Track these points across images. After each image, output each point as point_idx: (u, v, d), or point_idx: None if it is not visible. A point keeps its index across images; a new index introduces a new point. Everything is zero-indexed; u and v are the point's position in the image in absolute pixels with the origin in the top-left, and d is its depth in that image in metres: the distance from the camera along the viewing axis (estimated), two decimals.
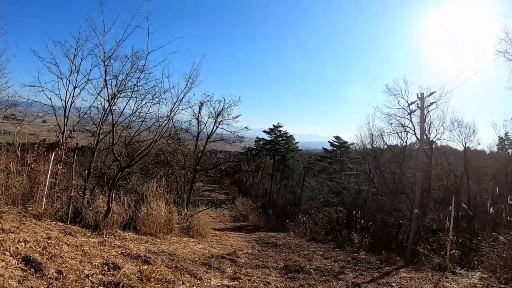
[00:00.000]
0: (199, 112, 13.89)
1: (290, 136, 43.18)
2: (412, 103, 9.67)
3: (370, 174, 21.02)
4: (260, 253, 9.42)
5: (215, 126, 13.94)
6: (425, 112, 9.26)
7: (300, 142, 47.46)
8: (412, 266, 8.24)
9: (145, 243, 7.07)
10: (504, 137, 32.22)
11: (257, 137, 44.08)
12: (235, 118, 13.85)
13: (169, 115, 8.97)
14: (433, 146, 20.73)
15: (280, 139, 42.68)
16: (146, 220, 8.65)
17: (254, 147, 43.10)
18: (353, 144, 33.03)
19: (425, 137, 17.89)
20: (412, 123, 19.33)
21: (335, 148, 36.95)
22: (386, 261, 8.54)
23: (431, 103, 9.01)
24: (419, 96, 9.10)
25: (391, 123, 22.28)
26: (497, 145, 32.28)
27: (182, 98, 9.53)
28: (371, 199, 18.51)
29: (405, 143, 22.04)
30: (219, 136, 14.03)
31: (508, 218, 6.49)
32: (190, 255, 7.02)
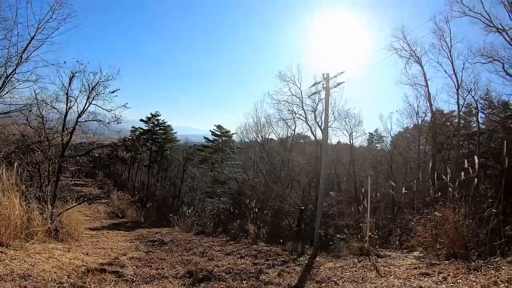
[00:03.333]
0: (70, 84, 11.19)
1: (169, 125, 40.77)
2: (316, 83, 9.21)
3: (256, 162, 20.71)
4: (149, 256, 7.75)
5: (87, 102, 11.39)
6: (330, 94, 8.80)
7: (179, 133, 45.35)
8: (325, 254, 7.95)
9: None
10: (374, 133, 36.31)
11: (133, 127, 40.44)
12: (113, 92, 11.55)
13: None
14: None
15: (158, 128, 39.95)
16: None
17: (130, 137, 39.44)
18: (236, 133, 32.80)
19: (316, 125, 18.40)
20: (304, 110, 19.51)
21: (216, 138, 36.11)
22: (294, 251, 8.09)
23: (338, 84, 8.60)
24: (325, 76, 8.65)
25: (280, 110, 22.22)
26: (367, 140, 35.64)
27: None
28: (259, 188, 18.14)
29: (293, 131, 22.29)
30: (93, 116, 11.51)
31: (435, 194, 6.39)
32: (56, 272, 5.02)
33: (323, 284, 4.87)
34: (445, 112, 26.57)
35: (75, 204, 11.31)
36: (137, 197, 27.48)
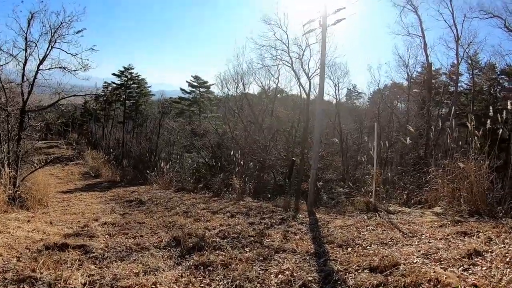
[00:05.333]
0: (29, 27, 9.57)
1: (142, 79, 38.36)
2: (310, 21, 7.95)
3: (238, 113, 19.52)
4: (126, 220, 6.83)
5: (49, 46, 9.82)
6: (326, 35, 7.65)
7: (154, 89, 42.98)
8: (323, 209, 7.38)
9: None
10: (352, 89, 35.46)
11: (105, 82, 37.86)
12: (78, 32, 10.02)
13: None
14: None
15: (131, 82, 37.62)
16: None
17: (103, 93, 37.07)
18: (214, 84, 31.10)
19: (304, 73, 17.15)
20: (290, 57, 18.00)
21: (194, 89, 34.24)
22: (287, 206, 7.41)
23: (337, 21, 7.43)
24: (322, 13, 7.43)
25: (263, 57, 20.56)
26: (345, 96, 34.72)
27: None
28: (241, 140, 17.16)
29: (277, 80, 20.80)
30: (56, 62, 10.00)
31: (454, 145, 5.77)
32: (2, 254, 3.98)
33: (349, 249, 4.06)
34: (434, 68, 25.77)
35: (39, 166, 10.20)
36: (112, 155, 26.07)
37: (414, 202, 6.61)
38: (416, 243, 3.96)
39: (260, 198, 9.28)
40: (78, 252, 4.24)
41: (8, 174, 7.52)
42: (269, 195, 9.76)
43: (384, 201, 6.62)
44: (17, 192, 7.95)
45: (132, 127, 37.66)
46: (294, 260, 3.86)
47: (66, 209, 8.72)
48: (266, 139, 16.38)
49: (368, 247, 4.05)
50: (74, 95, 10.98)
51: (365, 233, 4.70)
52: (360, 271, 3.32)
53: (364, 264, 3.42)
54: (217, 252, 4.24)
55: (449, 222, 4.58)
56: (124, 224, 6.36)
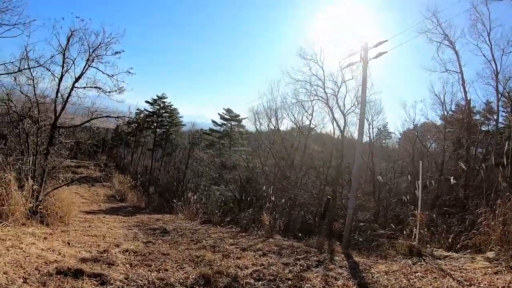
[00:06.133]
0: (68, 44, 9.65)
1: (175, 109, 39.09)
2: (351, 54, 7.57)
3: (269, 147, 19.01)
4: (149, 249, 6.20)
5: (86, 65, 9.84)
6: (367, 69, 7.28)
7: (185, 119, 43.64)
8: (359, 252, 6.72)
9: None
10: (382, 129, 34.54)
11: (138, 109, 38.85)
12: (116, 53, 10.00)
13: None
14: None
15: (163, 111, 38.34)
16: None
17: (135, 119, 37.96)
18: (246, 118, 30.97)
19: (338, 109, 16.65)
20: (325, 92, 17.59)
21: (225, 122, 34.31)
22: (321, 247, 6.85)
23: (379, 54, 7.01)
24: (363, 46, 7.04)
25: (298, 92, 20.31)
26: (375, 135, 33.73)
27: None
28: (272, 176, 16.53)
29: (310, 115, 20.33)
30: (92, 81, 9.99)
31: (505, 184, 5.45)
32: (7, 272, 3.40)
33: None
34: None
35: (65, 183, 9.90)
36: (139, 181, 26.08)
37: (461, 246, 5.99)
38: None
39: (290, 237, 8.78)
40: (94, 282, 3.62)
41: (31, 186, 7.16)
42: (299, 234, 9.07)
43: (428, 245, 5.99)
44: (39, 207, 7.59)
45: (161, 155, 38.00)
46: None
47: (87, 230, 8.24)
48: (297, 176, 15.69)
49: None
50: (107, 116, 10.84)
51: (415, 280, 4.19)
52: None
53: None
54: None
55: (504, 268, 4.11)
56: (147, 254, 5.73)
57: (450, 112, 23.36)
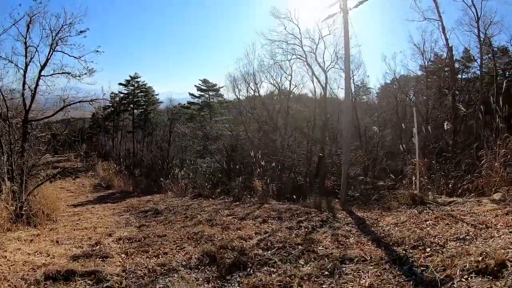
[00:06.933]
0: (28, 31, 9.06)
1: (150, 87, 38.05)
2: (331, 5, 7.20)
3: (251, 113, 18.65)
4: (143, 233, 5.93)
5: (51, 50, 9.30)
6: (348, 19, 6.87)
7: (161, 96, 42.41)
8: (358, 207, 6.71)
9: None
10: (360, 84, 34.44)
11: (112, 93, 37.52)
12: (81, 33, 9.54)
13: None
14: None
15: (138, 91, 37.27)
16: None
17: (110, 104, 36.76)
18: (223, 86, 30.19)
19: (318, 66, 16.27)
20: (303, 51, 17.10)
21: (203, 93, 33.57)
22: (318, 207, 6.69)
23: (360, 2, 6.69)
24: None
25: (274, 53, 19.65)
26: (354, 92, 33.43)
27: None
28: (257, 141, 16.31)
29: (290, 76, 19.80)
30: (59, 67, 9.42)
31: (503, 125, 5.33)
32: None
33: (428, 250, 3.31)
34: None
35: (46, 179, 9.45)
36: (123, 165, 25.52)
37: (462, 191, 6.00)
38: (497, 235, 3.31)
39: (284, 200, 8.67)
40: (88, 282, 3.32)
41: (9, 188, 6.71)
42: (293, 196, 9.00)
43: (430, 193, 5.86)
44: (23, 208, 7.19)
45: (142, 136, 37.29)
46: (371, 271, 3.02)
47: (77, 223, 7.91)
48: (283, 138, 15.53)
49: (447, 245, 3.37)
50: (81, 101, 10.28)
51: (428, 229, 4.04)
52: (466, 276, 2.60)
53: (466, 266, 2.69)
54: (266, 268, 3.37)
55: None
56: (142, 238, 5.46)
57: (430, 62, 23.30)
